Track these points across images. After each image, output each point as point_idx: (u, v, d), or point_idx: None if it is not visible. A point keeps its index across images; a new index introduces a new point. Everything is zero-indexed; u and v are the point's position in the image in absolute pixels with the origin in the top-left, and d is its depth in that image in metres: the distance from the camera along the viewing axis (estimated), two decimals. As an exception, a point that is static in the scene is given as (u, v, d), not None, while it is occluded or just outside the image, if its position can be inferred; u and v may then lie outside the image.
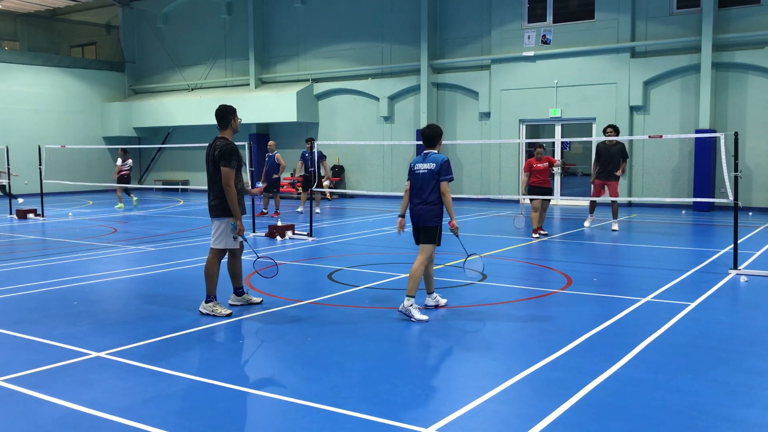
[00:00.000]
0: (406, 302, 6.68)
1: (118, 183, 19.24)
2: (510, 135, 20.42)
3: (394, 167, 22.85)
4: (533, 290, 8.28)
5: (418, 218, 6.87)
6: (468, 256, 7.47)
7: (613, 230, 13.67)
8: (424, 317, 6.65)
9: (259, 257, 7.98)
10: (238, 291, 7.33)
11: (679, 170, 18.42)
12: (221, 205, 6.87)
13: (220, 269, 7.10)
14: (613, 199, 13.47)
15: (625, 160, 13.77)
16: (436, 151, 6.93)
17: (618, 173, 13.49)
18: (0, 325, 6.57)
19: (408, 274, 6.90)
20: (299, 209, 17.94)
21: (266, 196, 17.21)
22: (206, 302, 6.97)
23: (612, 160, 13.49)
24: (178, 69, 27.94)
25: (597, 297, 7.78)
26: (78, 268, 9.79)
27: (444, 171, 6.77)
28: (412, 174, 6.93)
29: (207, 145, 7.03)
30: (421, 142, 7.13)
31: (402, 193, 7.31)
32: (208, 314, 6.90)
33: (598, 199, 14.02)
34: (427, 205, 6.80)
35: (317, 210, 17.36)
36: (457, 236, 7.05)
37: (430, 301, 7.21)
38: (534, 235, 12.57)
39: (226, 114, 6.94)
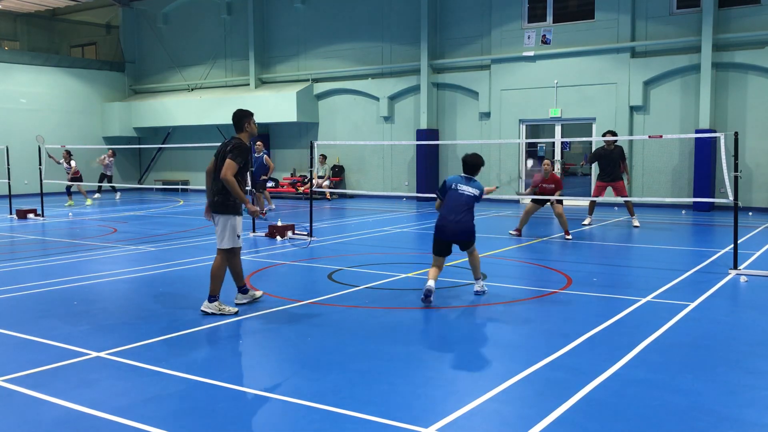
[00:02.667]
0: (480, 285, 7.71)
1: (74, 182, 21.02)
2: (510, 135, 20.42)
3: (394, 167, 22.84)
4: (533, 290, 8.28)
5: (460, 234, 7.44)
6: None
7: (635, 226, 14.21)
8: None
9: (291, 237, 8.64)
10: (243, 289, 7.36)
11: (679, 170, 18.42)
12: (224, 202, 6.92)
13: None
14: (626, 198, 14.28)
15: (624, 161, 14.49)
16: (476, 179, 7.72)
17: (625, 177, 14.43)
18: (0, 325, 6.57)
19: (470, 264, 7.69)
20: (272, 207, 17.81)
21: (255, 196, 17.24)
22: (210, 302, 6.92)
23: (613, 163, 14.20)
24: (178, 69, 27.93)
25: (597, 297, 7.78)
26: (78, 268, 9.79)
27: (480, 197, 7.73)
28: (452, 191, 7.51)
29: (217, 144, 7.20)
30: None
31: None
32: (213, 313, 6.86)
33: (598, 200, 14.35)
34: (466, 224, 7.46)
35: (269, 208, 17.53)
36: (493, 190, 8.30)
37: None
38: (511, 232, 12.90)
39: (242, 117, 7.06)
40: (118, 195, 23.52)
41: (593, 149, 15.00)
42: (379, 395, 4.71)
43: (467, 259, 7.80)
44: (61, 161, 21.27)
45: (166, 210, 19.25)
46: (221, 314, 6.86)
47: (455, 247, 7.67)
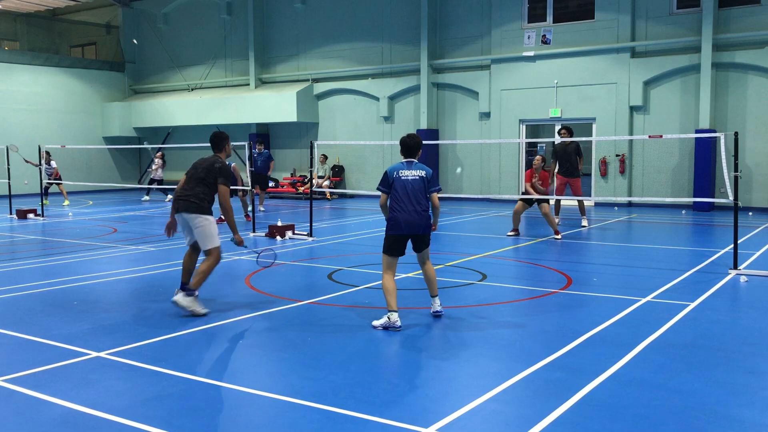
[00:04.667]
0: (438, 303, 6.83)
1: (56, 183, 20.91)
2: (510, 135, 20.42)
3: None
4: (533, 290, 8.28)
5: (417, 227, 6.56)
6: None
7: (582, 226, 14.15)
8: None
9: (259, 254, 8.67)
10: (185, 286, 7.37)
11: (679, 170, 18.42)
12: (201, 204, 7.11)
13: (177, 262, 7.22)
14: (579, 198, 14.23)
15: (581, 158, 14.37)
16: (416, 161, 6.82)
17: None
18: (0, 325, 6.58)
19: (426, 279, 6.86)
20: (261, 208, 17.98)
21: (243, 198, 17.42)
22: (187, 295, 6.92)
23: (568, 158, 14.11)
24: (178, 69, 27.93)
25: (597, 297, 7.78)
26: (78, 268, 9.78)
27: (434, 182, 6.75)
28: (397, 181, 6.62)
29: (204, 154, 7.60)
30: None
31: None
32: (185, 307, 6.84)
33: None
34: (424, 212, 6.64)
35: (261, 208, 17.88)
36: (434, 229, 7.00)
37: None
38: (509, 234, 12.84)
39: (222, 139, 7.47)
40: (165, 197, 22.90)
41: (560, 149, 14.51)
42: (379, 395, 4.71)
43: (421, 271, 6.90)
44: (42, 164, 20.14)
45: (166, 210, 19.24)
46: (193, 313, 6.84)
47: (454, 243, 7.61)
